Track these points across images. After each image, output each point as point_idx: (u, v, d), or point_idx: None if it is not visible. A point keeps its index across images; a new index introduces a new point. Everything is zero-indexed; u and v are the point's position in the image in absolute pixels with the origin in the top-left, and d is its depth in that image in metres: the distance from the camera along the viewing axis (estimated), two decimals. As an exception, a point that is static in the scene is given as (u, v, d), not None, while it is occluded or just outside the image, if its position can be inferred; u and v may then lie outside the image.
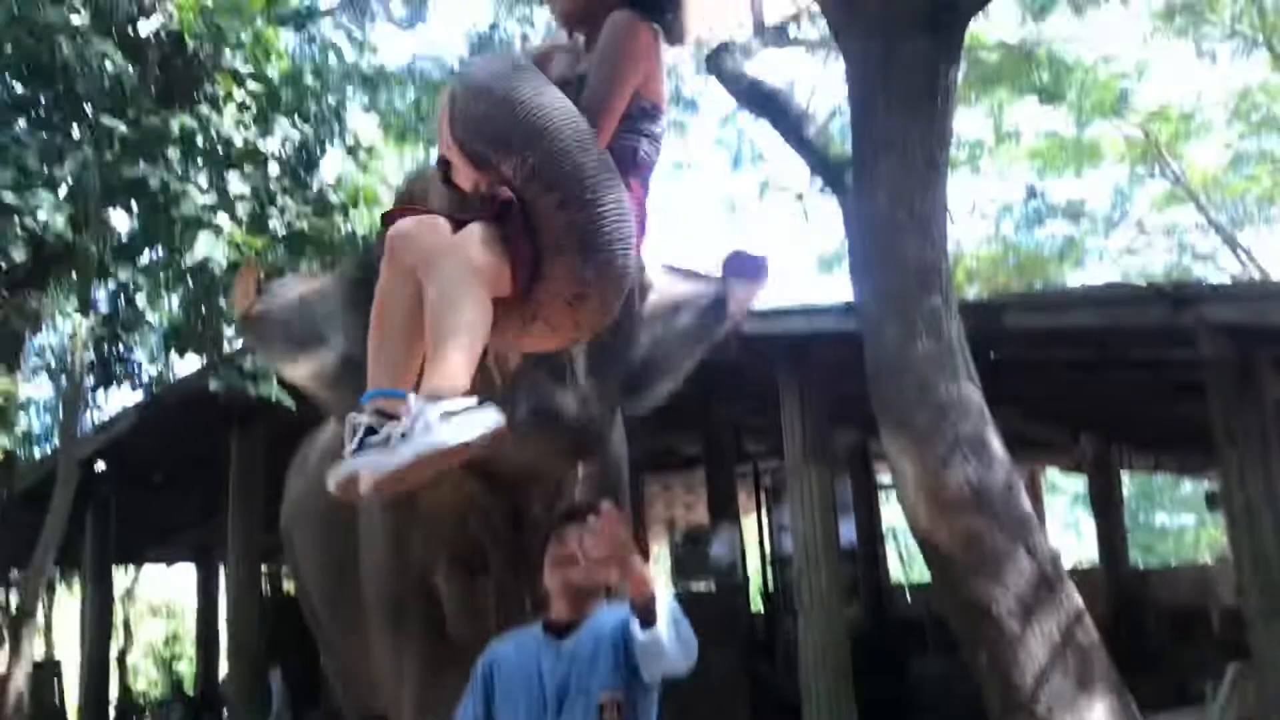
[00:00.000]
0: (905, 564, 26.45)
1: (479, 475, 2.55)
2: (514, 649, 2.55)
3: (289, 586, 14.15)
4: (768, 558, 12.15)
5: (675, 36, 2.27)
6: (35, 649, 8.05)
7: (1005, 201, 18.19)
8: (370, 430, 1.83)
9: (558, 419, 2.47)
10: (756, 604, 12.67)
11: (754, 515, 13.40)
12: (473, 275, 1.88)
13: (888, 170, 5.29)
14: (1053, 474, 20.48)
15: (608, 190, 1.90)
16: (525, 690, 2.46)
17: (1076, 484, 23.85)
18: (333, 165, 7.10)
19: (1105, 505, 12.78)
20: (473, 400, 1.81)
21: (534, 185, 1.89)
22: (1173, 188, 17.90)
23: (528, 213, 1.91)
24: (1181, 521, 30.92)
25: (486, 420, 1.81)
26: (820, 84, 15.34)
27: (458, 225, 1.98)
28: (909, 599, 11.36)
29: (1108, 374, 8.41)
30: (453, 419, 1.77)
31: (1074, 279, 18.59)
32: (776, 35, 11.65)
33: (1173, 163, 17.07)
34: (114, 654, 15.89)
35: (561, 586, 2.48)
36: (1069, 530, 29.75)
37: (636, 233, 2.03)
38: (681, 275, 2.97)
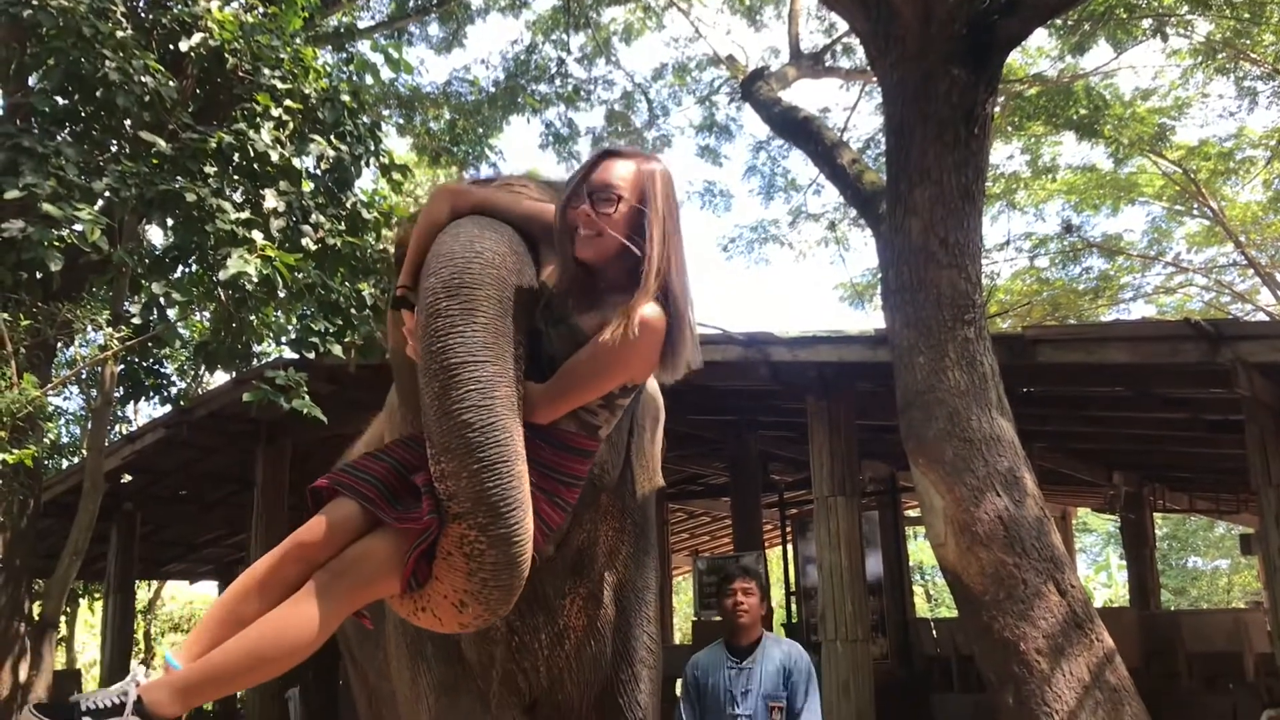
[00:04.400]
0: (932, 600, 26.30)
1: None
2: (707, 658, 4.21)
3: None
4: (791, 589, 12.04)
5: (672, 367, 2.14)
6: (56, 659, 8.06)
7: (1040, 235, 18.09)
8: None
9: None
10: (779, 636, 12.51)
11: (779, 546, 13.29)
12: (342, 605, 1.91)
13: (922, 200, 5.25)
14: (1085, 513, 20.25)
15: (506, 517, 1.88)
16: (718, 689, 4.07)
17: (1108, 524, 23.60)
18: (366, 184, 7.11)
19: (1137, 546, 12.59)
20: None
21: (442, 485, 1.91)
22: (1211, 225, 17.73)
23: (439, 510, 1.92)
24: (1215, 565, 30.48)
25: None
26: (855, 114, 15.38)
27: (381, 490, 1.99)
28: (935, 635, 11.18)
29: (1142, 412, 8.28)
30: None
31: (1108, 316, 18.46)
32: (812, 64, 11.67)
33: (1211, 200, 16.91)
34: (134, 667, 15.97)
35: (737, 625, 4.13)
36: (1100, 571, 29.41)
37: (543, 529, 2.07)
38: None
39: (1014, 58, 13.67)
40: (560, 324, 2.13)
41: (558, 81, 14.61)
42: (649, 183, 2.12)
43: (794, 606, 11.78)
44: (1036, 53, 14.80)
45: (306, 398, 6.24)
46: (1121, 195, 17.23)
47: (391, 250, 7.24)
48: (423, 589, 1.98)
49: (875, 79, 6.72)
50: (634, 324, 2.00)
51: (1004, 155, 16.38)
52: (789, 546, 12.25)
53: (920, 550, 20.49)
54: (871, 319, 18.01)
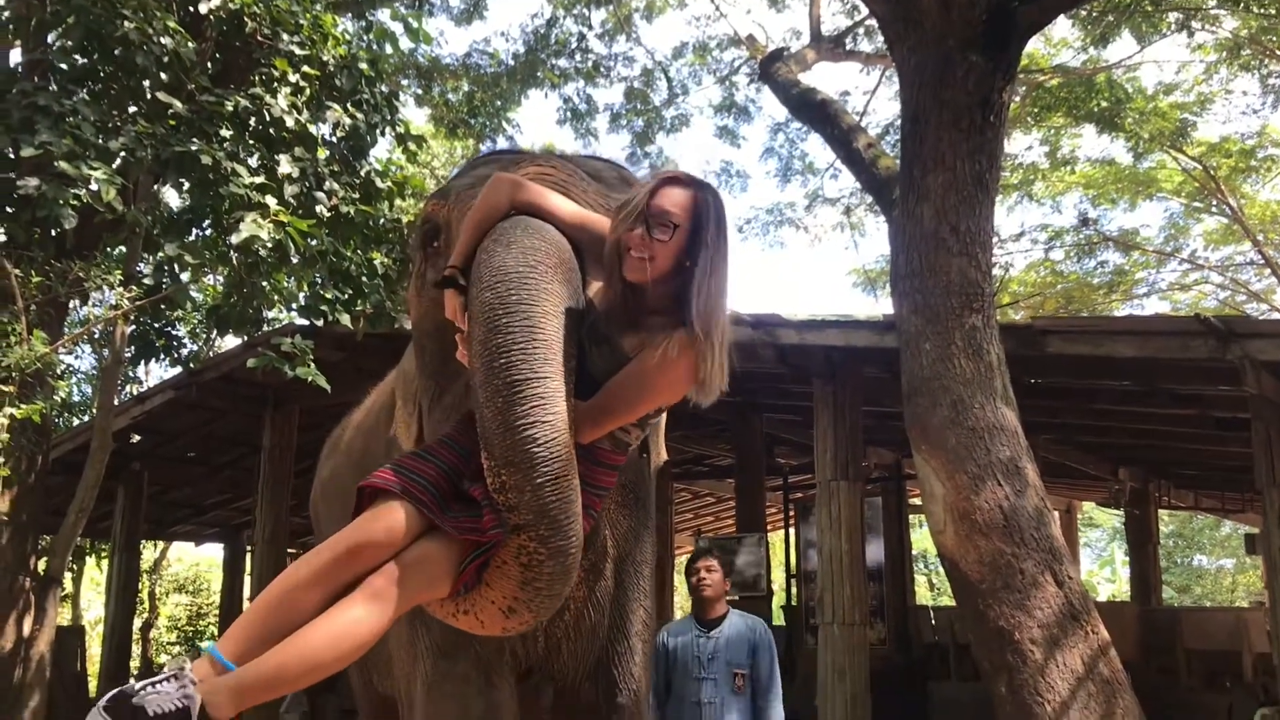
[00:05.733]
0: (934, 589, 26.33)
1: None
2: (678, 627, 4.57)
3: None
4: (792, 572, 12.07)
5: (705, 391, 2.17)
6: (61, 615, 8.14)
7: (1056, 228, 18.00)
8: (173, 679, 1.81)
9: None
10: (778, 618, 12.57)
11: (781, 529, 13.32)
12: (391, 612, 1.91)
13: (935, 186, 5.24)
14: (1090, 508, 20.23)
15: (566, 529, 1.95)
16: (687, 653, 4.41)
17: (1114, 519, 23.57)
18: (382, 153, 7.11)
19: (1141, 542, 12.59)
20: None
21: (502, 497, 1.94)
22: (1229, 223, 17.62)
23: (502, 524, 1.96)
24: (1219, 564, 30.44)
25: None
26: (875, 98, 15.31)
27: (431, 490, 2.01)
28: (934, 622, 11.20)
29: (1150, 407, 8.26)
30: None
31: (1122, 310, 18.38)
32: (832, 47, 11.62)
33: (1230, 198, 16.79)
34: (137, 625, 16.10)
35: (701, 599, 4.49)
36: (1105, 565, 29.40)
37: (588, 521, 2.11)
38: None
39: (1037, 48, 13.59)
40: (602, 343, 2.17)
41: (577, 57, 14.56)
42: (703, 211, 2.14)
43: (794, 589, 11.81)
44: (1059, 43, 14.70)
45: (312, 365, 6.27)
46: (1140, 190, 17.12)
47: (405, 221, 7.27)
48: (469, 595, 2.03)
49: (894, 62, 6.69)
50: (672, 350, 2.06)
51: (1023, 146, 16.37)
52: (792, 529, 12.27)
53: (924, 538, 20.47)
54: (883, 305, 17.99)
